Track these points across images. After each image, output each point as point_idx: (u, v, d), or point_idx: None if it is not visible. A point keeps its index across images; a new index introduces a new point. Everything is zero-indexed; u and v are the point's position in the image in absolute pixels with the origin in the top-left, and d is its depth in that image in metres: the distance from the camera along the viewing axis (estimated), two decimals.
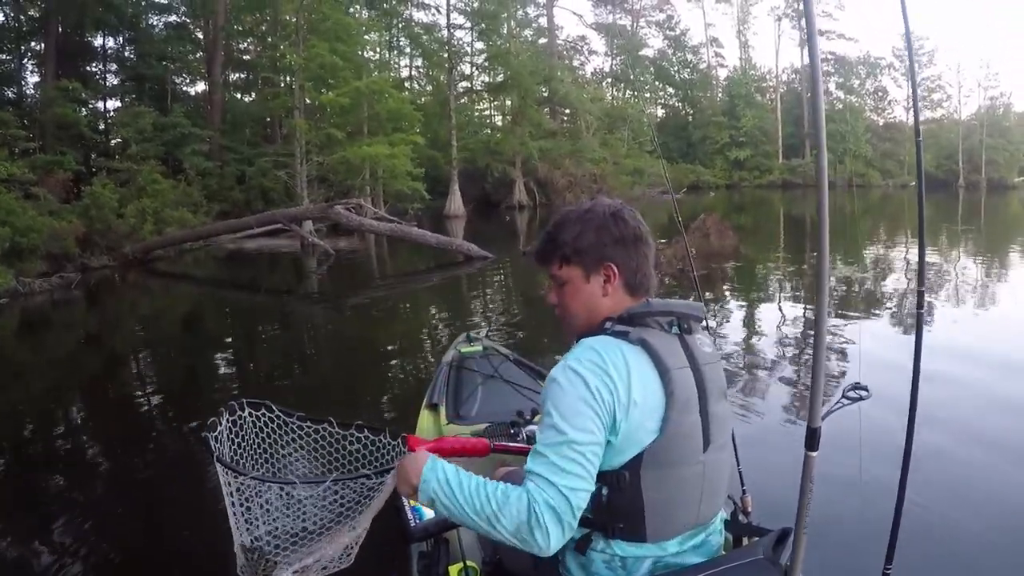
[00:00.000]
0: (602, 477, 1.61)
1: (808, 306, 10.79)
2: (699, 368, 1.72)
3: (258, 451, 1.90)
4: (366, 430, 1.95)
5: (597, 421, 1.55)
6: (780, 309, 10.62)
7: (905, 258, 16.24)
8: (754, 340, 8.59)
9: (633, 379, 1.59)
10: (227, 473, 1.70)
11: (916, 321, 2.30)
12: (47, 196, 17.58)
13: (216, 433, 1.75)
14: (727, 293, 11.52)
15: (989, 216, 31.39)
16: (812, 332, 8.28)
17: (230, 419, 1.83)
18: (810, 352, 7.68)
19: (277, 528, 1.76)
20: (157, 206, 19.64)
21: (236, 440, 1.84)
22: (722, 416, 1.76)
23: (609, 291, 1.77)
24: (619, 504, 1.63)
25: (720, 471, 1.80)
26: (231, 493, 1.71)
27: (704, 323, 1.89)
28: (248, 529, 1.75)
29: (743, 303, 10.97)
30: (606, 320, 1.75)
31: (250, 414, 1.88)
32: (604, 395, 1.56)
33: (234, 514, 1.74)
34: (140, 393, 7.55)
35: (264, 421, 1.89)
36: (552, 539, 1.50)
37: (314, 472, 1.96)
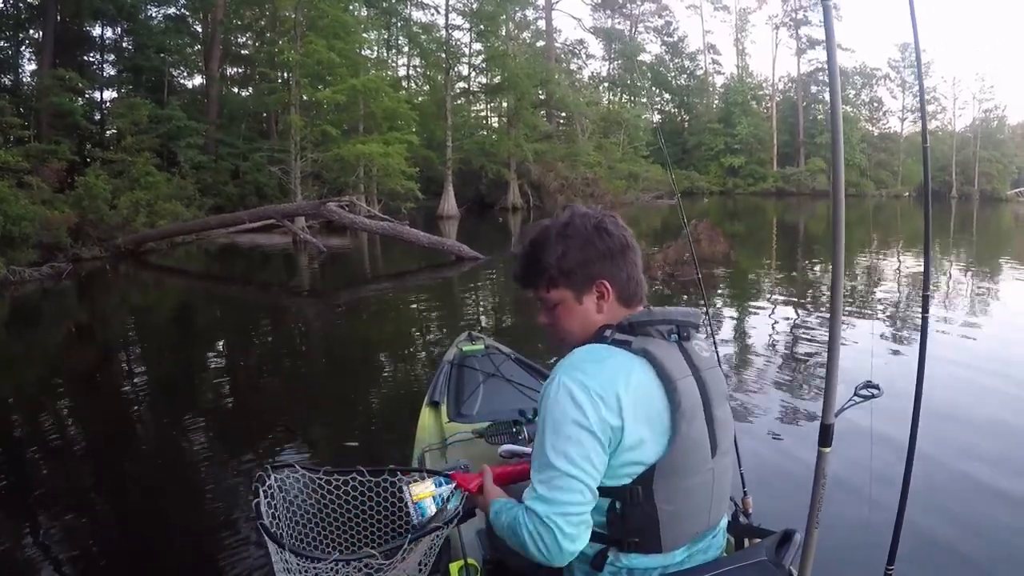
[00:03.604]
0: (614, 493, 1.59)
1: (799, 309, 10.88)
2: (701, 375, 1.69)
3: (293, 518, 1.84)
4: (399, 472, 1.91)
5: (591, 443, 1.52)
6: (771, 314, 10.62)
7: (898, 268, 16.31)
8: (747, 344, 8.58)
9: (633, 392, 1.55)
10: (298, 560, 1.63)
11: (921, 324, 2.30)
12: (40, 185, 17.46)
13: (265, 510, 1.71)
14: (718, 298, 11.52)
15: (981, 228, 31.56)
16: (804, 335, 8.35)
17: (265, 489, 1.77)
18: (805, 355, 7.78)
19: None
20: (150, 198, 19.61)
21: (269, 502, 1.78)
22: (725, 420, 1.74)
23: (604, 308, 1.73)
24: (633, 518, 1.60)
25: (726, 475, 1.78)
26: (288, 570, 1.65)
27: (706, 329, 1.87)
28: None
29: (734, 308, 10.97)
30: (604, 328, 1.70)
31: (275, 479, 1.81)
32: (601, 412, 1.53)
33: None
34: (129, 386, 7.50)
35: (290, 482, 1.83)
36: (551, 557, 1.55)
37: (356, 527, 1.92)
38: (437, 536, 1.78)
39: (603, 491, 1.59)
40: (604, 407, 1.53)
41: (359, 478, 1.86)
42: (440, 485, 1.91)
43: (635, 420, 1.55)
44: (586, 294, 1.72)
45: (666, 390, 1.59)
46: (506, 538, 1.66)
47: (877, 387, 2.13)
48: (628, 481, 1.58)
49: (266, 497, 1.77)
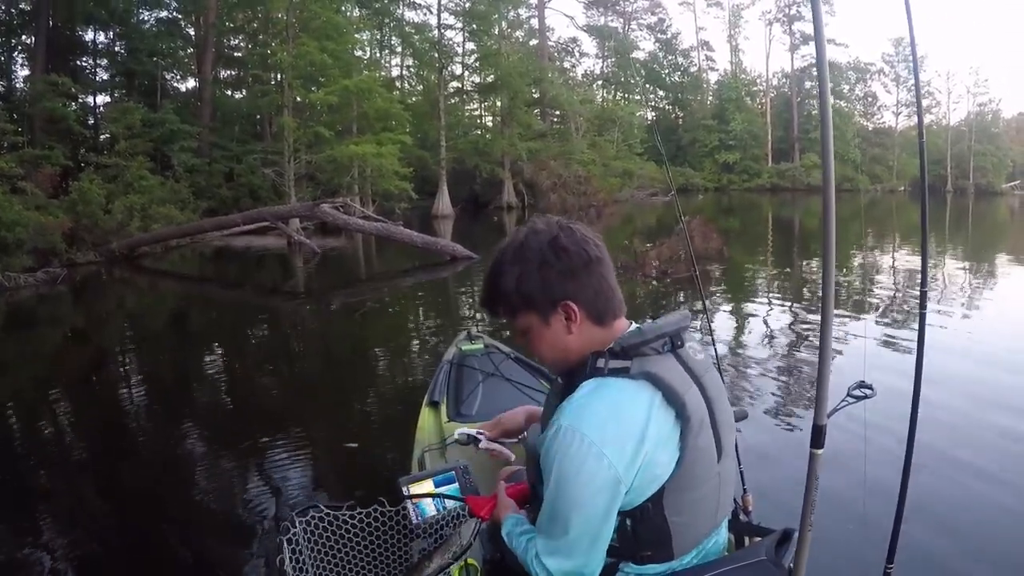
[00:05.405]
0: (625, 512, 1.55)
1: (795, 306, 10.85)
2: (701, 381, 1.64)
3: (317, 558, 1.82)
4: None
5: (610, 498, 1.49)
6: (767, 310, 10.60)
7: (893, 263, 16.32)
8: (743, 341, 8.56)
9: (649, 429, 1.49)
10: None
11: (919, 321, 2.28)
12: (34, 191, 17.48)
13: (290, 569, 1.71)
14: (712, 295, 11.49)
15: (977, 222, 31.59)
16: (800, 331, 8.30)
17: (289, 537, 1.75)
18: (801, 352, 7.76)
19: None
20: (145, 202, 19.61)
21: (294, 558, 1.75)
22: (726, 421, 1.69)
23: (574, 329, 1.63)
24: (645, 533, 1.57)
25: (730, 474, 1.76)
26: None
27: (704, 329, 1.87)
28: None
29: (728, 305, 10.94)
30: (596, 356, 1.60)
31: (299, 522, 1.79)
32: (619, 462, 1.47)
33: None
34: (125, 390, 7.47)
35: (315, 524, 1.81)
36: None
37: (384, 558, 1.94)
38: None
39: None
40: (621, 456, 1.47)
41: (381, 509, 1.86)
42: (439, 485, 1.91)
43: (654, 451, 1.50)
44: (552, 316, 1.62)
45: (675, 409, 1.54)
46: (517, 559, 1.68)
47: (870, 387, 2.11)
48: (640, 502, 1.54)
49: (290, 545, 1.74)
